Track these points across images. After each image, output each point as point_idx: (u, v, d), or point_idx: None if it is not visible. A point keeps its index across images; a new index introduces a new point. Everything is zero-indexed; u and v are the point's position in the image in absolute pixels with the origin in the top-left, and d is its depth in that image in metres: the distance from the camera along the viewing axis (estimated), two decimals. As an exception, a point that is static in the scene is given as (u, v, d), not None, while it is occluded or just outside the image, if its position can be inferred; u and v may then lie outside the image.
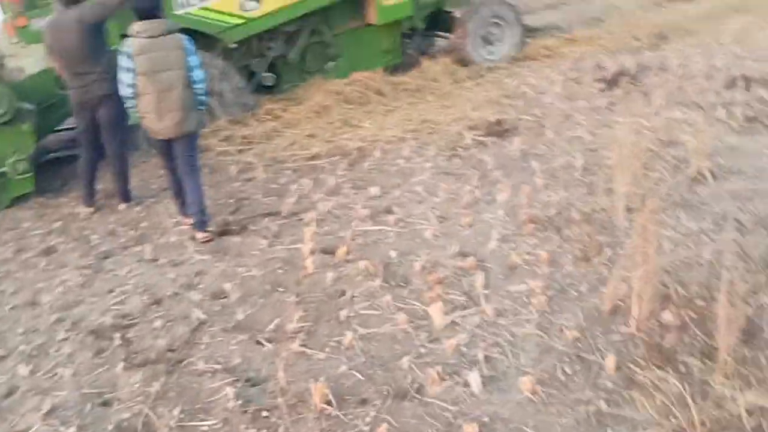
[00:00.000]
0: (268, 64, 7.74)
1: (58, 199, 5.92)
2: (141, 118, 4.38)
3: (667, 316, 2.68)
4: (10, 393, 3.09)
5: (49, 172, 6.41)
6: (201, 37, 7.05)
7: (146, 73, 4.15)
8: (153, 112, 4.25)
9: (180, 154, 4.47)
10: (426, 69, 8.11)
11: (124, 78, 4.24)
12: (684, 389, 2.28)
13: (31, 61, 7.28)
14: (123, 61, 4.21)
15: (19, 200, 5.93)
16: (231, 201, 5.22)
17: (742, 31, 8.14)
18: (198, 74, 4.30)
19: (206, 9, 7.03)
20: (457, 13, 8.66)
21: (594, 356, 2.63)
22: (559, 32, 9.86)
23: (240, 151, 6.42)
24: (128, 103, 4.39)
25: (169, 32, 4.24)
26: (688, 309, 2.67)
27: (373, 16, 7.81)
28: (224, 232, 4.63)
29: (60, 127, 7.03)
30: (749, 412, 2.14)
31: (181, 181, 4.61)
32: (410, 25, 8.49)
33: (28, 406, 2.96)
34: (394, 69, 8.13)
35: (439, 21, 8.96)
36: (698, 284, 2.72)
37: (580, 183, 4.34)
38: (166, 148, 4.54)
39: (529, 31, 10.07)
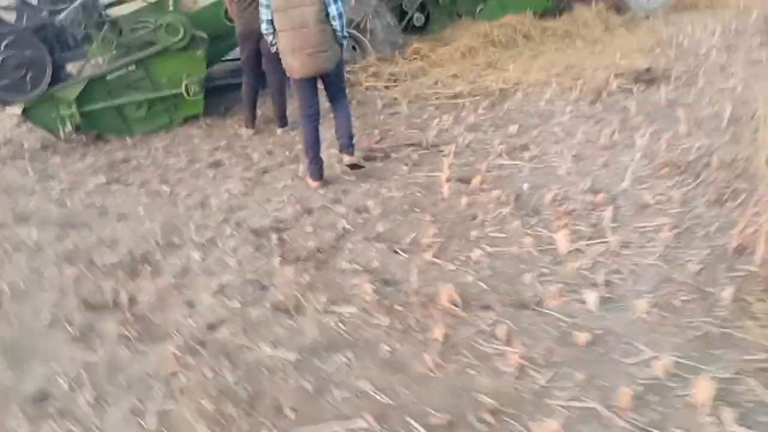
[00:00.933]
0: (419, 4, 7.96)
1: (223, 121, 6.58)
2: (281, 56, 4.33)
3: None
4: (185, 273, 3.66)
5: (215, 97, 7.10)
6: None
7: (281, 8, 4.09)
8: (289, 50, 4.18)
9: (328, 85, 4.45)
10: (577, 14, 7.99)
11: (262, 14, 4.24)
12: (800, 323, 2.36)
13: (204, -6, 7.96)
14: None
15: (189, 120, 6.66)
16: (376, 131, 5.57)
17: None
18: (335, 9, 4.12)
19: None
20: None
21: (712, 289, 2.73)
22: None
23: (386, 87, 6.76)
24: (269, 39, 4.38)
25: None
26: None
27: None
28: (368, 158, 4.99)
29: (225, 58, 7.73)
30: None
31: (317, 136, 4.53)
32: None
33: (199, 284, 3.51)
34: (544, 13, 8.07)
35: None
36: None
37: (724, 132, 4.27)
38: (307, 89, 4.40)
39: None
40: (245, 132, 6.11)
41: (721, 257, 2.94)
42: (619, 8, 8.14)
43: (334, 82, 4.45)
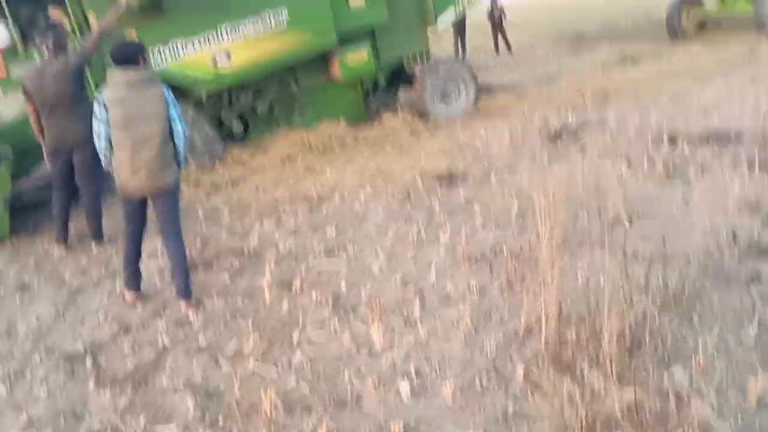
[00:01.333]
0: (237, 114, 8.25)
1: (32, 239, 6.24)
2: (114, 173, 4.06)
3: (569, 334, 3.12)
4: (-13, 410, 3.39)
5: (21, 215, 6.74)
6: (173, 89, 7.54)
7: (121, 124, 3.85)
8: (127, 167, 3.91)
9: (160, 212, 4.10)
10: (386, 121, 8.69)
11: (99, 129, 3.97)
12: (575, 391, 2.71)
13: (7, 109, 7.68)
14: (98, 111, 3.94)
15: (-6, 240, 6.24)
16: (197, 240, 5.59)
17: (678, 93, 8.84)
18: (179, 126, 3.98)
19: (180, 65, 7.53)
20: (417, 70, 9.32)
21: (507, 368, 3.05)
22: (513, 90, 10.58)
23: (208, 195, 6.83)
24: (102, 157, 4.08)
25: (149, 81, 3.95)
26: (585, 326, 3.12)
27: (338, 74, 8.39)
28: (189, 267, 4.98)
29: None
30: (624, 407, 2.57)
31: (138, 250, 4.38)
32: (372, 80, 9.14)
33: (5, 422, 3.26)
34: (356, 121, 8.69)
35: (400, 76, 9.62)
36: (597, 307, 3.16)
37: (513, 225, 4.82)
38: (138, 209, 4.21)
39: (485, 89, 10.82)
40: (57, 250, 5.83)
41: (513, 339, 3.30)
42: (423, 115, 8.99)
43: (167, 210, 4.10)
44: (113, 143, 3.96)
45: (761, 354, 2.90)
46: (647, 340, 3.04)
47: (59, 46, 5.50)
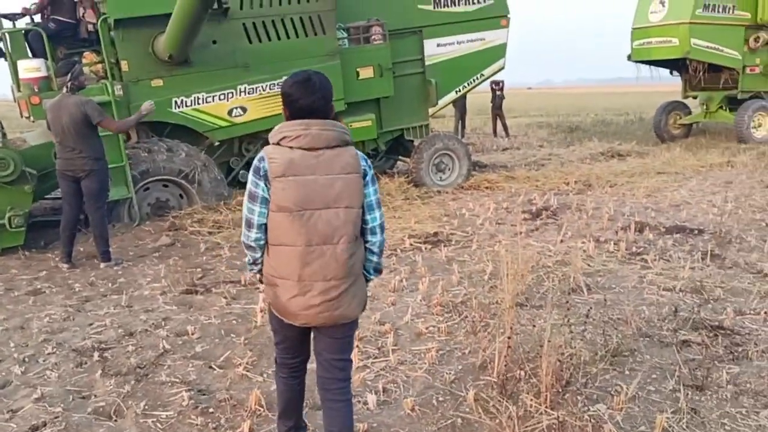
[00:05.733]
0: (245, 162, 8.90)
1: (43, 254, 6.76)
2: (267, 288, 2.69)
3: (516, 370, 3.64)
4: (4, 384, 3.85)
5: (34, 232, 7.27)
6: (189, 133, 8.26)
7: (292, 207, 2.52)
8: (293, 279, 2.57)
9: (327, 355, 2.74)
10: (383, 185, 9.35)
11: (252, 213, 2.58)
12: (514, 412, 3.21)
13: (35, 134, 8.35)
14: (253, 184, 2.57)
15: (7, 251, 6.75)
16: (198, 270, 6.11)
17: (655, 189, 9.57)
18: (377, 217, 2.70)
19: (198, 110, 8.25)
20: (416, 142, 10.07)
21: (462, 392, 3.55)
22: (503, 170, 11.33)
23: (210, 233, 7.38)
24: (249, 256, 2.72)
25: (342, 144, 2.60)
26: (530, 366, 3.65)
27: (342, 135, 9.08)
28: (189, 291, 5.50)
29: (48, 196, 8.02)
30: (551, 426, 3.08)
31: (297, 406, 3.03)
32: (374, 146, 9.86)
33: (20, 394, 3.72)
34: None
35: (400, 146, 10.37)
36: (543, 351, 3.67)
37: (486, 284, 5.38)
38: (299, 345, 2.85)
39: (478, 166, 11.60)
40: (64, 267, 6.32)
41: (470, 371, 3.81)
42: (418, 183, 9.68)
43: (340, 348, 2.76)
44: (273, 237, 2.62)
45: (672, 402, 3.42)
46: (580, 380, 3.57)
47: (76, 86, 6.18)
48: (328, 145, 2.56)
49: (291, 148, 2.53)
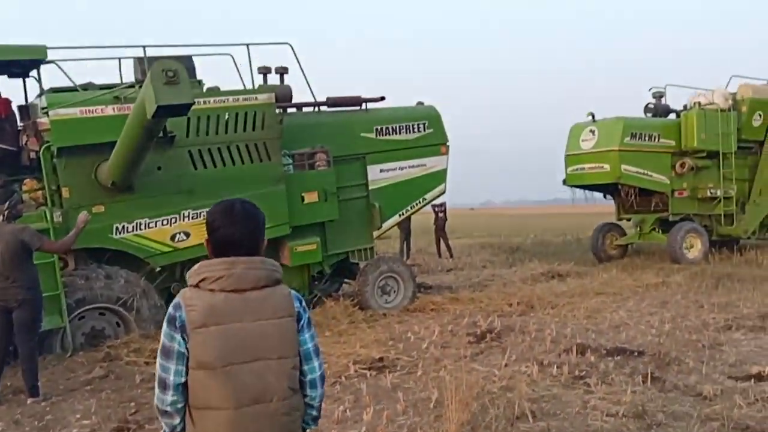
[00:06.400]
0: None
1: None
2: None
3: None
4: None
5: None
6: (130, 259, 8.13)
7: (216, 364, 2.15)
8: None
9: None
10: (328, 308, 9.29)
11: (167, 372, 2.19)
12: None
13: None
14: (167, 337, 2.21)
15: None
16: (132, 404, 5.82)
17: (594, 310, 9.76)
18: (315, 367, 2.35)
19: (140, 236, 8.17)
20: (361, 264, 10.14)
21: None
22: (448, 291, 11.44)
23: (147, 363, 7.11)
24: (165, 425, 2.26)
25: (272, 283, 2.27)
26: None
27: (287, 258, 9.10)
28: (120, 428, 5.21)
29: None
30: None
31: None
32: (319, 269, 9.88)
33: None
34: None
35: (345, 268, 10.41)
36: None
37: (430, 412, 5.28)
38: None
39: (423, 287, 11.68)
40: (-11, 401, 5.96)
41: None
42: (363, 306, 9.66)
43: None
44: (194, 400, 2.23)
45: None
46: None
47: (12, 215, 6.11)
48: (256, 285, 2.20)
49: (212, 291, 2.17)
